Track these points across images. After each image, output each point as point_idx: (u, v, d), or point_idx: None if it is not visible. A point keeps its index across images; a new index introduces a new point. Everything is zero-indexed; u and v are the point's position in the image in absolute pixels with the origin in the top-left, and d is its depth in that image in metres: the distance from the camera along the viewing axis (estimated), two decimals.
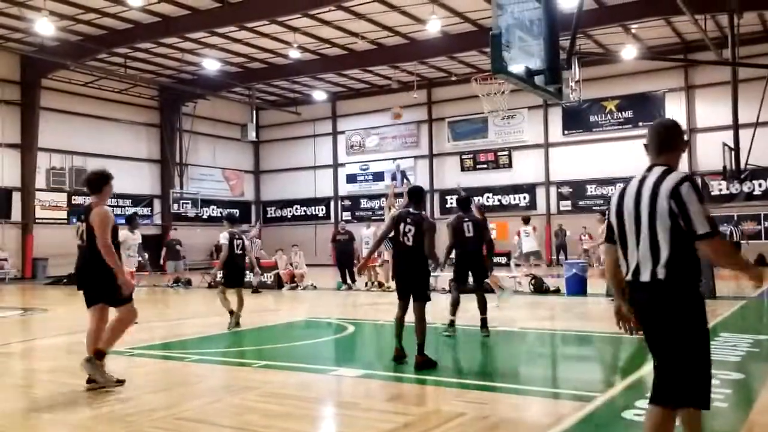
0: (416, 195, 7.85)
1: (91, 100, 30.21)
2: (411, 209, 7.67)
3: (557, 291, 15.74)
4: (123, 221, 12.78)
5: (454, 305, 9.56)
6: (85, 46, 25.24)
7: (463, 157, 32.75)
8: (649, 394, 3.59)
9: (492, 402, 5.91)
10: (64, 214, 29.10)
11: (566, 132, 30.52)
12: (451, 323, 9.62)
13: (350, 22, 24.13)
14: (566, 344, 9.77)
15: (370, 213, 34.21)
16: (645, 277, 3.46)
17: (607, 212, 3.86)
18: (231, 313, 10.77)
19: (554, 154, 30.80)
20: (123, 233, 12.09)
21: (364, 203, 35.19)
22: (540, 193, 31.06)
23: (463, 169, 32.73)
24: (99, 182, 7.08)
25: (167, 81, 31.09)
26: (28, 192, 27.41)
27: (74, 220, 11.78)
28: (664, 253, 3.38)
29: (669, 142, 3.65)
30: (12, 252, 26.89)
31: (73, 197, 29.40)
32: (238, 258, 11.13)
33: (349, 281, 18.55)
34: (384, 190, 34.47)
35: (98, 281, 6.52)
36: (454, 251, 9.67)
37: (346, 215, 34.64)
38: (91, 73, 28.51)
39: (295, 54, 26.51)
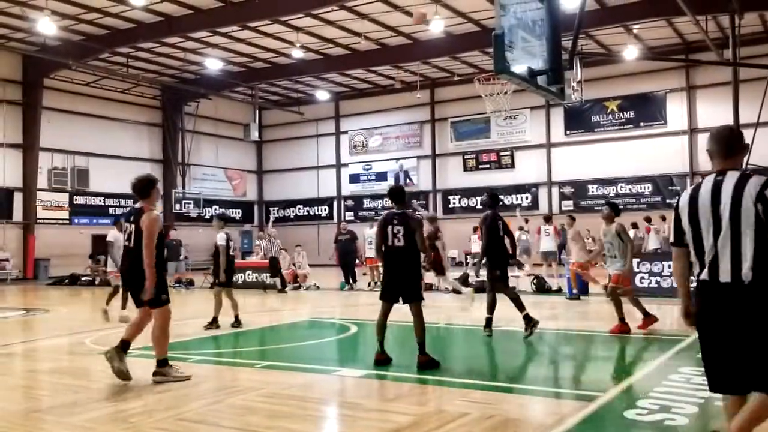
0: (396, 195, 7.75)
1: (93, 100, 30.23)
2: (395, 210, 7.59)
3: (559, 291, 15.72)
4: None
5: (492, 305, 9.54)
6: (87, 46, 25.25)
7: (466, 157, 32.73)
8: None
9: (496, 402, 5.89)
10: (65, 215, 29.13)
11: (568, 132, 30.49)
12: (488, 322, 9.53)
13: (353, 21, 24.11)
14: (568, 344, 9.74)
15: (373, 213, 34.17)
16: (725, 278, 3.52)
17: (675, 215, 3.87)
18: (215, 320, 10.74)
19: (556, 154, 30.77)
20: (112, 233, 12.67)
21: (367, 203, 35.18)
22: (542, 193, 31.04)
23: (465, 169, 32.73)
24: (147, 187, 7.47)
25: (170, 80, 31.10)
26: (29, 192, 27.42)
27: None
28: (748, 255, 3.46)
29: (735, 146, 3.78)
30: (13, 252, 26.90)
31: (74, 197, 29.42)
32: (232, 258, 11.33)
33: (351, 281, 18.55)
34: (386, 190, 34.46)
35: (143, 282, 6.74)
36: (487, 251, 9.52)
37: (349, 215, 34.62)
38: (93, 72, 28.52)
39: (298, 54, 26.50)
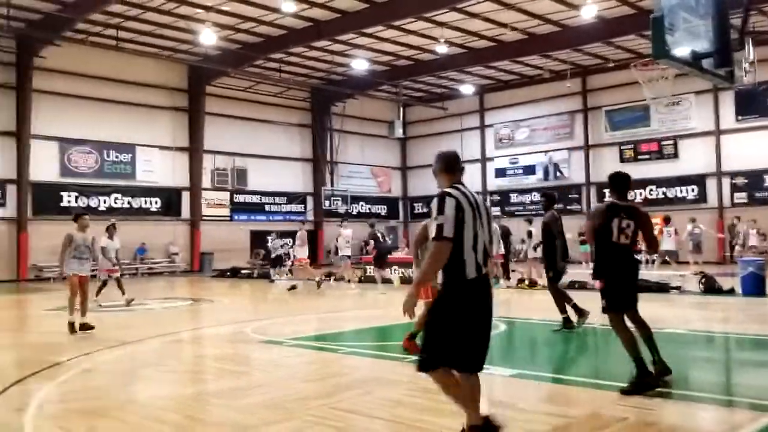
0: (620, 182, 6.60)
1: (249, 104, 32.05)
2: (618, 202, 6.46)
3: (731, 291, 14.48)
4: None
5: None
6: (244, 54, 26.82)
7: (623, 147, 31.09)
8: None
9: (657, 407, 5.51)
10: (227, 212, 31.15)
11: (740, 117, 28.00)
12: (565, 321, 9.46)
13: (499, 12, 23.68)
14: (741, 349, 8.94)
15: (521, 208, 33.48)
16: None
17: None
18: None
19: (726, 141, 28.38)
20: (104, 240, 14.10)
21: (514, 198, 34.47)
22: (711, 184, 28.75)
23: (622, 160, 31.03)
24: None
25: (318, 83, 32.27)
26: (196, 191, 29.63)
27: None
28: None
29: None
30: (182, 247, 29.19)
31: (234, 195, 31.39)
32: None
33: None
34: (535, 183, 33.62)
35: None
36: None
37: (496, 210, 34.14)
38: (249, 78, 30.26)
39: (441, 49, 26.47)
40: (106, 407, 5.80)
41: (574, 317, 9.57)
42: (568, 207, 32.52)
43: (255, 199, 32.26)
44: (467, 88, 33.83)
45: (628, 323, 6.43)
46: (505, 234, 17.82)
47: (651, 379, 5.98)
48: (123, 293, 14.60)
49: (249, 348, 9.10)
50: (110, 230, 15.00)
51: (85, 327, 10.15)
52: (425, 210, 37.63)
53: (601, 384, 6.48)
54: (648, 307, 12.24)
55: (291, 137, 33.97)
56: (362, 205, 36.43)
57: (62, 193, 25.97)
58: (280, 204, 33.12)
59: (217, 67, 27.71)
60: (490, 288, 4.32)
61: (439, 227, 4.04)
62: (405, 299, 4.20)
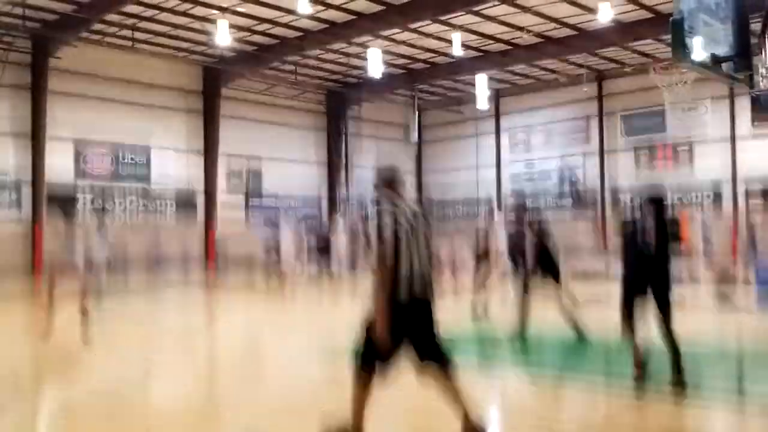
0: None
1: (264, 107, 32.10)
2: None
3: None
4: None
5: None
6: (259, 56, 26.87)
7: (639, 152, 30.84)
8: None
9: (675, 413, 5.38)
10: (242, 214, 31.19)
11: (756, 123, 27.65)
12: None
13: (515, 15, 23.56)
14: (758, 357, 8.75)
15: (536, 213, 33.23)
16: None
17: None
18: None
19: (742, 148, 28.07)
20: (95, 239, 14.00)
21: (528, 202, 34.27)
22: (725, 191, 28.46)
23: (638, 165, 30.83)
24: None
25: (334, 86, 32.28)
26: (210, 194, 29.68)
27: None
28: None
29: None
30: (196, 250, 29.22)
31: (249, 198, 31.42)
32: None
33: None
34: (550, 189, 33.40)
35: None
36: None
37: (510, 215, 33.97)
38: (264, 81, 30.31)
39: (457, 52, 26.36)
40: (119, 408, 5.76)
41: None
42: (583, 212, 32.35)
43: (270, 202, 32.29)
44: (483, 92, 33.62)
45: None
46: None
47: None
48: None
49: (263, 348, 9.05)
50: (101, 230, 15.77)
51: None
52: (440, 214, 37.74)
53: (615, 388, 6.36)
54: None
55: (306, 140, 33.98)
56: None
57: (77, 195, 26.11)
58: (296, 207, 33.12)
59: (232, 69, 27.77)
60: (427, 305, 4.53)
61: (381, 249, 4.28)
62: (379, 332, 4.37)
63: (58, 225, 11.54)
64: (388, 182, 4.72)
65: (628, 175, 31.15)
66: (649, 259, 6.45)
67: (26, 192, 24.83)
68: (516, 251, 9.68)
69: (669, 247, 6.61)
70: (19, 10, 22.15)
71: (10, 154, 24.65)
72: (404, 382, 4.91)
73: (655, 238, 6.60)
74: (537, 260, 9.54)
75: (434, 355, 4.44)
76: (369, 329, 4.35)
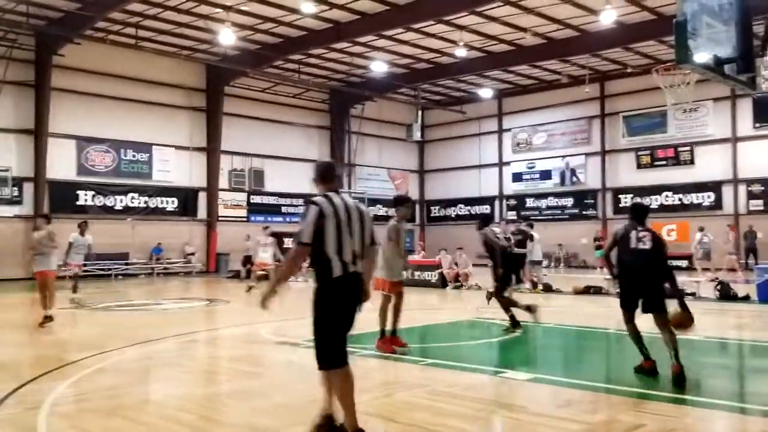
0: (639, 211, 7.40)
1: (267, 105, 32.14)
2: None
3: (746, 298, 14.34)
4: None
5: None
6: (263, 54, 26.91)
7: (640, 153, 30.87)
8: None
9: (674, 414, 5.47)
10: (243, 213, 31.25)
11: (757, 125, 27.74)
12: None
13: (518, 17, 23.59)
14: (756, 356, 8.83)
15: (537, 212, 33.33)
16: None
17: None
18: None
19: (743, 149, 28.13)
20: (73, 235, 14.96)
21: (530, 202, 34.34)
22: (727, 191, 28.49)
23: (639, 166, 30.87)
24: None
25: (337, 84, 32.32)
26: (212, 192, 29.75)
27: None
28: None
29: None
30: (198, 247, 29.32)
31: (251, 196, 31.48)
32: None
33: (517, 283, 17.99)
34: (552, 188, 33.50)
35: None
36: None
37: (511, 214, 34.02)
38: (268, 79, 30.36)
39: (460, 52, 26.40)
40: (120, 406, 5.81)
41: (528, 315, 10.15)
42: (584, 212, 32.41)
43: (272, 200, 32.34)
44: (486, 92, 33.71)
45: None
46: (525, 238, 17.77)
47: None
48: (74, 291, 15.29)
49: (264, 349, 9.12)
50: (81, 227, 15.61)
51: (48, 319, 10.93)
52: (442, 213, 37.88)
53: (618, 390, 6.42)
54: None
55: (309, 139, 34.03)
56: (379, 208, 36.40)
57: (79, 192, 26.17)
58: (298, 206, 33.17)
59: (235, 68, 27.82)
60: (358, 284, 4.66)
61: (299, 233, 4.55)
62: (264, 294, 4.66)
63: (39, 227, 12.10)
64: (323, 177, 4.93)
65: (629, 175, 31.27)
66: (639, 268, 6.98)
67: (28, 188, 24.91)
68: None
69: (659, 256, 7.04)
70: (23, 8, 22.20)
71: (13, 151, 24.73)
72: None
73: (649, 246, 7.04)
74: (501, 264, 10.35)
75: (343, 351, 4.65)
76: (320, 324, 4.57)
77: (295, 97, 32.96)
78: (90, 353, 8.38)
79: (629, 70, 29.36)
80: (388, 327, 8.57)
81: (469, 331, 11.04)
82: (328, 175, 4.90)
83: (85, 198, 26.27)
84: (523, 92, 34.41)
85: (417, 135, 34.99)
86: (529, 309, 10.10)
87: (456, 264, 19.95)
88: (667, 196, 29.81)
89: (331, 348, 4.54)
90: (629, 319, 7.10)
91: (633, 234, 7.11)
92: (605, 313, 13.01)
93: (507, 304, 10.34)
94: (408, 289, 17.10)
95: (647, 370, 6.93)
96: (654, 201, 30.11)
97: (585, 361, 8.52)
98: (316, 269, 4.60)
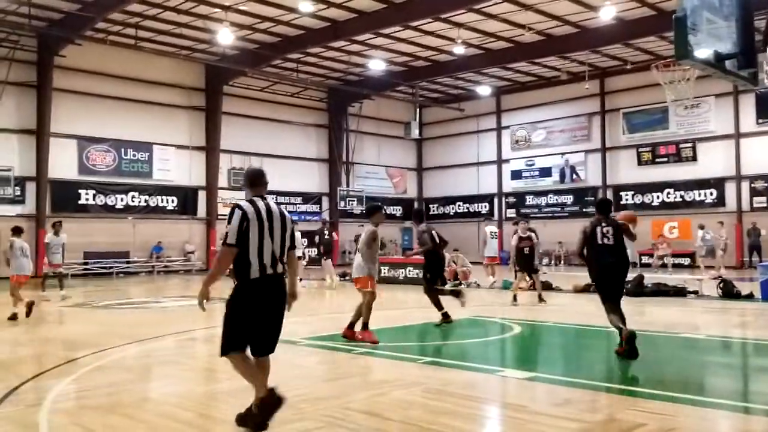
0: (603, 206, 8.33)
1: (266, 104, 32.14)
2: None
3: (750, 296, 14.29)
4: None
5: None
6: (261, 54, 26.89)
7: (640, 150, 30.81)
8: None
9: (674, 414, 5.42)
10: None
11: (761, 121, 27.66)
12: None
13: (516, 14, 23.57)
14: (760, 354, 8.80)
15: (536, 210, 33.30)
16: None
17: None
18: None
19: (746, 145, 28.05)
20: (48, 236, 15.74)
21: (529, 200, 34.30)
22: (729, 188, 28.43)
23: (640, 163, 30.81)
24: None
25: (335, 83, 32.29)
26: (212, 190, 29.75)
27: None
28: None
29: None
30: (198, 245, 29.33)
31: None
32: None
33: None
34: (551, 186, 33.47)
35: None
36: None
37: (511, 212, 34.00)
38: (266, 78, 30.36)
39: (459, 50, 26.39)
40: (119, 404, 5.81)
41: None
42: (584, 210, 32.32)
43: (271, 198, 32.29)
44: (484, 90, 33.71)
45: None
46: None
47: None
48: (61, 288, 15.83)
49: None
50: (56, 227, 16.26)
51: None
52: (441, 211, 37.85)
53: (618, 388, 6.40)
54: (665, 311, 12.17)
55: (307, 137, 34.02)
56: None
57: (80, 191, 26.20)
58: (296, 204, 33.17)
59: (234, 67, 27.82)
60: (278, 285, 4.96)
61: (225, 235, 4.83)
62: (199, 295, 4.97)
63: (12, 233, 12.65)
64: (251, 183, 5.27)
65: (630, 172, 31.20)
66: (608, 263, 7.83)
67: (30, 187, 24.91)
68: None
69: (624, 248, 7.85)
70: (25, 9, 22.20)
71: (15, 150, 24.78)
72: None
73: (612, 241, 7.86)
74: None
75: (268, 345, 4.99)
76: (228, 318, 4.90)
77: (293, 95, 32.95)
78: (90, 351, 8.37)
79: (629, 67, 29.31)
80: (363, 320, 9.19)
81: (468, 330, 11.00)
82: (256, 182, 5.23)
83: (86, 197, 26.31)
84: (521, 89, 34.37)
85: (415, 133, 34.99)
86: (455, 294, 10.89)
87: (454, 262, 19.91)
88: (668, 194, 29.76)
89: (230, 339, 4.88)
90: (613, 309, 7.75)
91: (598, 230, 7.88)
92: (604, 311, 13.00)
93: (436, 300, 10.74)
94: (406, 287, 17.32)
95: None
96: (656, 198, 30.08)
97: (584, 359, 8.50)
98: (237, 270, 4.86)
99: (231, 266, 4.95)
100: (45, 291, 16.16)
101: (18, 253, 12.33)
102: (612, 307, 7.76)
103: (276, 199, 32.29)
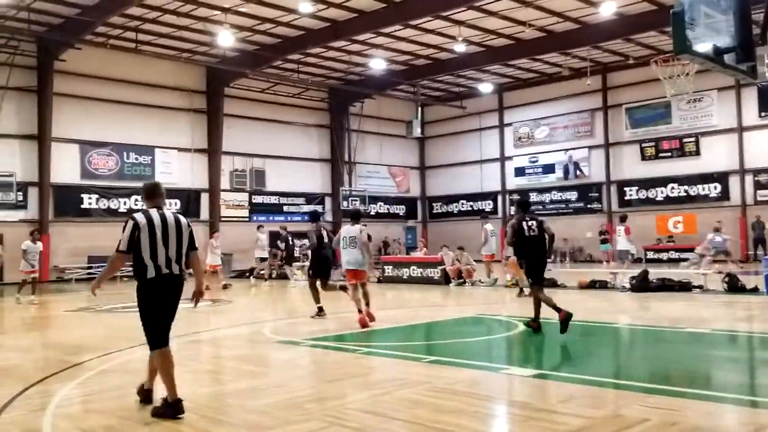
0: (523, 205, 10.18)
1: (267, 105, 32.15)
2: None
3: (755, 290, 14.25)
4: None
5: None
6: (261, 55, 26.90)
7: (644, 145, 30.77)
8: None
9: (679, 408, 5.40)
10: (245, 213, 31.26)
11: (763, 114, 27.61)
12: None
13: (517, 10, 23.54)
14: (765, 348, 8.77)
15: (540, 207, 33.27)
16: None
17: None
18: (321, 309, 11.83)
19: (750, 138, 28.01)
20: (26, 243, 16.27)
21: (533, 197, 34.22)
22: (733, 182, 28.37)
23: (643, 158, 30.77)
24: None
25: (336, 83, 32.29)
26: (214, 192, 29.77)
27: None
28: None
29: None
30: (201, 248, 28.83)
31: (253, 196, 31.50)
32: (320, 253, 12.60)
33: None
34: (555, 182, 33.43)
35: None
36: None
37: (514, 209, 33.94)
38: (267, 79, 30.37)
39: (460, 48, 26.36)
40: (124, 408, 5.81)
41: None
42: (589, 206, 32.27)
43: (273, 200, 32.35)
44: (486, 87, 33.67)
45: None
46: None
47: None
48: (33, 293, 16.56)
49: (267, 348, 9.10)
50: (33, 234, 17.10)
51: None
52: (443, 210, 37.83)
53: (622, 384, 6.39)
54: (670, 306, 12.12)
55: (309, 138, 34.03)
56: (381, 206, 36.41)
57: (83, 195, 26.26)
58: (299, 205, 33.19)
59: (235, 69, 27.82)
60: (175, 283, 5.60)
61: (119, 242, 5.49)
62: (92, 285, 5.91)
63: None
64: (148, 195, 5.81)
65: (633, 167, 31.13)
66: (536, 253, 9.51)
67: (33, 192, 24.96)
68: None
69: (544, 238, 9.61)
70: (24, 14, 22.24)
71: (17, 156, 24.83)
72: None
73: (537, 233, 9.50)
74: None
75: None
76: (143, 315, 5.58)
77: (294, 96, 32.96)
78: (95, 354, 8.39)
79: (631, 62, 29.26)
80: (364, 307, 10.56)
81: (473, 328, 10.99)
82: (152, 194, 5.78)
83: (89, 201, 26.36)
84: (523, 86, 34.34)
85: (417, 131, 34.94)
86: (343, 288, 11.67)
87: (458, 260, 19.90)
88: (672, 188, 29.72)
89: (153, 333, 5.52)
90: (540, 290, 9.46)
91: (525, 225, 9.48)
92: (610, 308, 12.99)
93: (316, 295, 11.83)
94: (411, 286, 17.31)
95: (537, 328, 9.42)
96: (660, 193, 30.03)
97: (589, 356, 8.48)
98: (135, 272, 5.54)
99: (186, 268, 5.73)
100: (21, 295, 16.57)
101: None
102: (540, 288, 9.50)
103: (279, 200, 32.33)
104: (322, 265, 11.96)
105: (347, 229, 11.05)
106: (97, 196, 26.52)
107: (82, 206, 26.15)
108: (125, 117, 27.26)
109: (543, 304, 9.34)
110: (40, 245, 16.91)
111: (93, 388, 6.67)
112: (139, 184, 27.92)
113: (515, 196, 34.93)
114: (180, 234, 5.67)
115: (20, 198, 24.68)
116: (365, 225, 11.00)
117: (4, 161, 24.35)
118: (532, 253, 9.48)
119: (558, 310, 8.96)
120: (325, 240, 11.96)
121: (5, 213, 24.11)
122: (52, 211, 25.35)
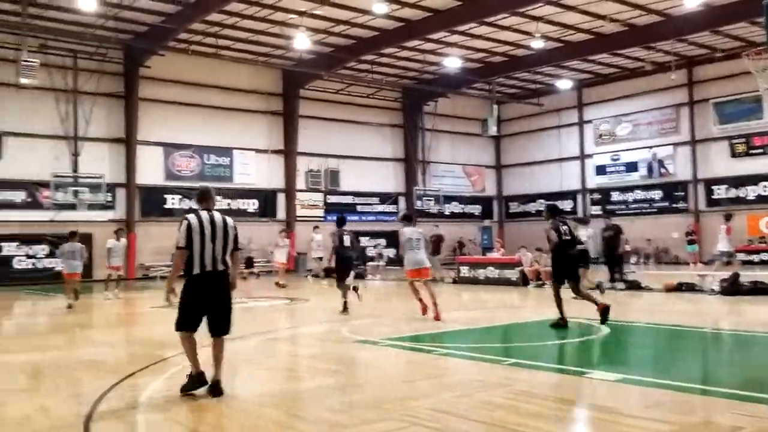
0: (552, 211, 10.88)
1: (341, 106, 32.48)
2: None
3: None
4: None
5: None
6: (336, 57, 27.19)
7: (734, 141, 29.26)
8: None
9: None
10: (320, 212, 31.65)
11: None
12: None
13: (596, 4, 22.87)
14: None
15: (623, 206, 32.23)
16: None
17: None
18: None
19: None
20: (110, 241, 17.39)
21: (615, 196, 33.18)
22: None
23: (733, 155, 29.26)
24: None
25: (410, 82, 32.26)
26: (291, 193, 30.32)
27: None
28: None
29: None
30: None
31: (327, 196, 31.87)
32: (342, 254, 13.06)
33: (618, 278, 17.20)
34: (639, 181, 32.25)
35: None
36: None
37: (596, 209, 33.01)
38: (341, 81, 30.66)
39: (537, 44, 25.80)
40: (209, 401, 5.95)
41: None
42: (674, 205, 30.99)
43: (348, 199, 32.64)
44: (564, 83, 32.85)
45: None
46: (617, 233, 17.16)
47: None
48: (116, 288, 17.58)
49: (344, 347, 9.13)
50: (117, 233, 17.98)
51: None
52: (521, 209, 37.19)
53: (712, 390, 6.06)
54: (763, 310, 11.33)
55: (383, 137, 34.16)
56: (455, 205, 36.15)
57: (166, 196, 27.26)
58: (373, 204, 33.36)
59: (310, 71, 28.25)
60: (219, 279, 6.14)
61: (178, 239, 6.11)
62: (166, 291, 6.36)
63: None
64: (199, 199, 6.50)
65: (723, 165, 29.67)
66: (570, 251, 10.25)
67: (120, 193, 26.10)
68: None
69: (575, 241, 10.51)
70: (111, 24, 23.28)
71: (106, 158, 26.05)
72: None
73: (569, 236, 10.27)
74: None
75: (219, 328, 6.18)
76: (181, 303, 6.14)
77: (368, 96, 33.15)
78: (179, 351, 8.57)
79: (718, 54, 27.93)
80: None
81: (553, 331, 10.70)
82: (202, 198, 6.45)
83: (172, 201, 27.34)
84: (604, 82, 33.34)
85: (493, 129, 34.40)
86: (355, 289, 12.76)
87: (537, 262, 19.49)
88: (765, 186, 28.20)
89: (182, 318, 6.12)
90: (558, 288, 10.26)
91: (562, 229, 10.23)
92: (698, 311, 12.42)
93: (344, 292, 12.54)
94: (488, 287, 17.22)
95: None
96: (751, 192, 28.59)
97: (677, 360, 8.09)
98: (185, 267, 6.09)
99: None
100: (108, 291, 17.28)
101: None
102: (560, 287, 10.17)
103: (353, 199, 32.57)
104: (343, 266, 12.80)
105: (411, 231, 11.36)
106: (179, 196, 27.47)
107: (166, 206, 27.15)
108: (205, 120, 28.13)
109: (564, 302, 10.05)
110: (123, 242, 17.83)
111: (180, 383, 6.83)
112: (218, 185, 29.00)
113: (596, 195, 34.06)
114: (226, 234, 6.20)
115: (109, 199, 25.83)
116: (437, 225, 12.01)
117: (95, 164, 25.55)
118: (568, 255, 10.15)
119: (561, 313, 9.98)
120: (346, 244, 12.80)
121: (95, 213, 25.26)
122: (138, 212, 26.42)
